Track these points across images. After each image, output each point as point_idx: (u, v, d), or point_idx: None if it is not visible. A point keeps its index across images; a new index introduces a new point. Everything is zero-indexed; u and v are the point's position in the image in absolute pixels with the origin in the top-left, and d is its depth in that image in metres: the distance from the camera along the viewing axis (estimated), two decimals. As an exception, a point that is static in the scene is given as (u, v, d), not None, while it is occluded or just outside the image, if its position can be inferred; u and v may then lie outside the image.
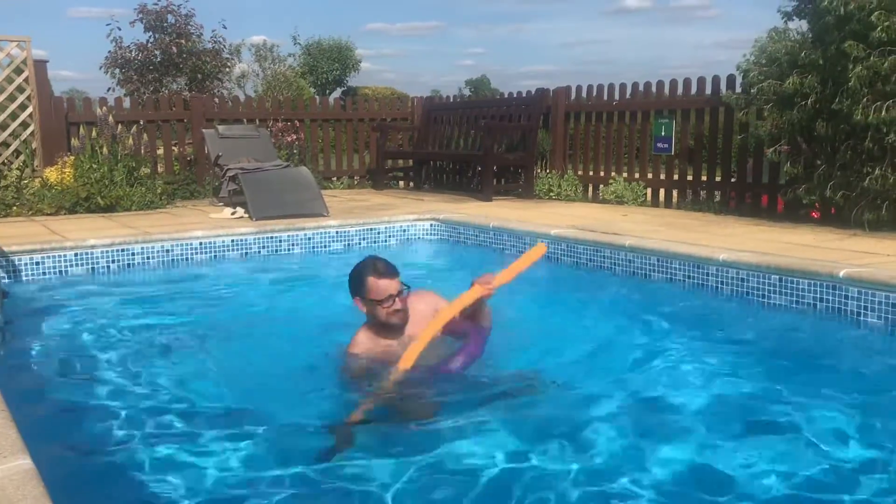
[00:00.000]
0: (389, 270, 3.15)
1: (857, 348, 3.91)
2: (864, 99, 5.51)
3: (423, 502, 2.32)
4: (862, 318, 4.04)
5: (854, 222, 5.76)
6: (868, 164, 5.70)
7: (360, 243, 6.65)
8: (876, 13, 5.40)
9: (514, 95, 9.91)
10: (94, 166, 7.63)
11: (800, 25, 6.38)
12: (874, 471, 2.49)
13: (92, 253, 5.60)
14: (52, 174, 7.74)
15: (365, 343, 3.24)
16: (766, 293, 4.45)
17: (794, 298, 4.31)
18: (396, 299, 3.14)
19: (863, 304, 4.04)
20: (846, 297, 4.11)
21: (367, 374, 3.18)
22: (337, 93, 25.61)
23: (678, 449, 2.63)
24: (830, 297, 4.17)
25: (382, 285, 3.12)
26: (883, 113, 5.39)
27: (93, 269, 5.60)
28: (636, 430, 2.79)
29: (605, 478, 2.42)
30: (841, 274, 4.13)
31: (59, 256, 5.49)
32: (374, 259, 3.22)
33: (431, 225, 6.97)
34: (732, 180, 7.47)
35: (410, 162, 10.86)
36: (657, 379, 3.35)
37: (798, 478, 2.43)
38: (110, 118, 8.24)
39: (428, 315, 3.25)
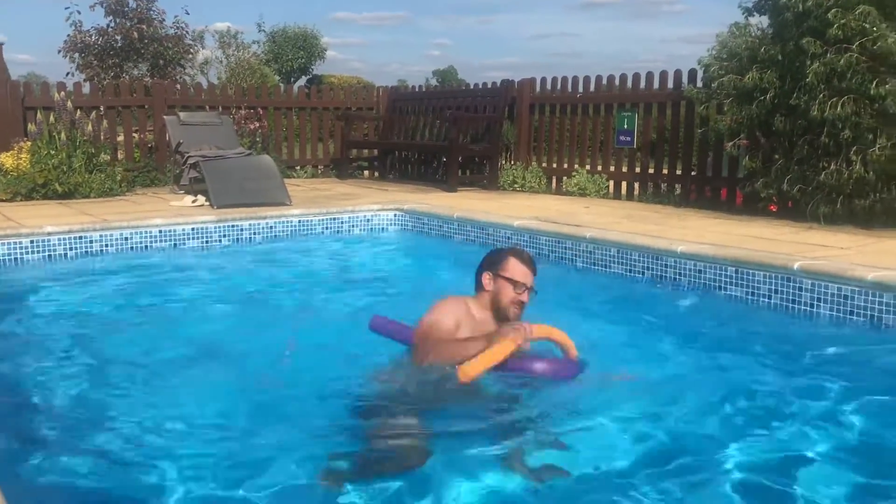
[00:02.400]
0: (532, 263, 3.09)
1: (810, 339, 3.99)
2: (821, 95, 5.61)
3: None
4: (815, 309, 4.13)
5: (810, 216, 5.87)
6: (824, 158, 5.81)
7: (322, 232, 6.62)
8: (833, 11, 5.49)
9: (480, 87, 9.92)
10: (52, 152, 7.49)
11: (760, 21, 6.47)
12: (821, 458, 2.55)
13: (48, 240, 5.51)
14: (7, 160, 7.58)
15: (462, 305, 3.03)
16: (723, 284, 4.52)
17: (750, 290, 4.39)
18: (527, 292, 3.02)
19: (816, 295, 4.13)
20: (800, 289, 4.19)
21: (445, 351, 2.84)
22: (302, 81, 25.40)
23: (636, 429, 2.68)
24: (785, 289, 4.25)
25: (521, 270, 3.02)
26: (838, 109, 5.49)
27: (49, 256, 5.50)
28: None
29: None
30: (795, 266, 4.21)
31: (14, 244, 5.39)
32: (520, 248, 3.14)
33: (395, 215, 6.96)
34: (693, 173, 7.57)
35: (375, 152, 10.83)
36: (620, 361, 3.40)
37: (752, 462, 2.49)
38: (69, 103, 8.08)
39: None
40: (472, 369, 2.72)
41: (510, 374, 2.86)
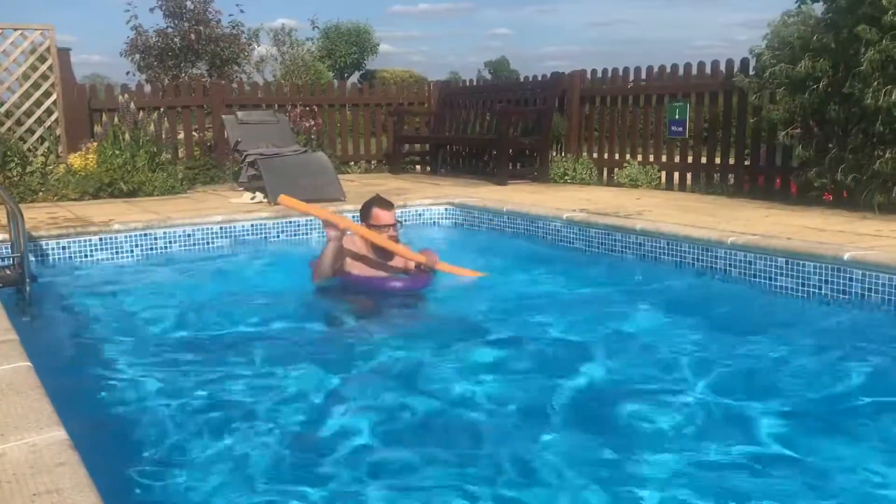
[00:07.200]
0: (390, 205, 4.56)
1: (862, 330, 3.97)
2: (876, 83, 5.53)
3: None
4: (866, 300, 4.11)
5: (864, 205, 5.80)
6: (879, 147, 5.73)
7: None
8: (888, -4, 5.42)
9: (530, 79, 9.97)
10: (117, 152, 7.79)
11: (812, 8, 6.39)
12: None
13: (116, 238, 5.76)
14: (76, 160, 7.92)
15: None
16: (772, 276, 4.52)
17: (800, 281, 4.38)
18: (391, 228, 4.48)
19: (867, 286, 4.11)
20: (850, 279, 4.17)
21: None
22: (355, 76, 25.70)
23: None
24: (835, 280, 4.24)
25: (383, 216, 4.50)
26: (893, 97, 5.41)
27: (117, 252, 5.76)
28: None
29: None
30: (846, 257, 4.20)
31: (85, 241, 5.66)
32: (379, 195, 4.64)
33: (447, 209, 7.07)
34: (746, 163, 7.51)
35: (427, 146, 10.96)
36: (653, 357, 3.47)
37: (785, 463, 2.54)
38: (132, 105, 8.40)
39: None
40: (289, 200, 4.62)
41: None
